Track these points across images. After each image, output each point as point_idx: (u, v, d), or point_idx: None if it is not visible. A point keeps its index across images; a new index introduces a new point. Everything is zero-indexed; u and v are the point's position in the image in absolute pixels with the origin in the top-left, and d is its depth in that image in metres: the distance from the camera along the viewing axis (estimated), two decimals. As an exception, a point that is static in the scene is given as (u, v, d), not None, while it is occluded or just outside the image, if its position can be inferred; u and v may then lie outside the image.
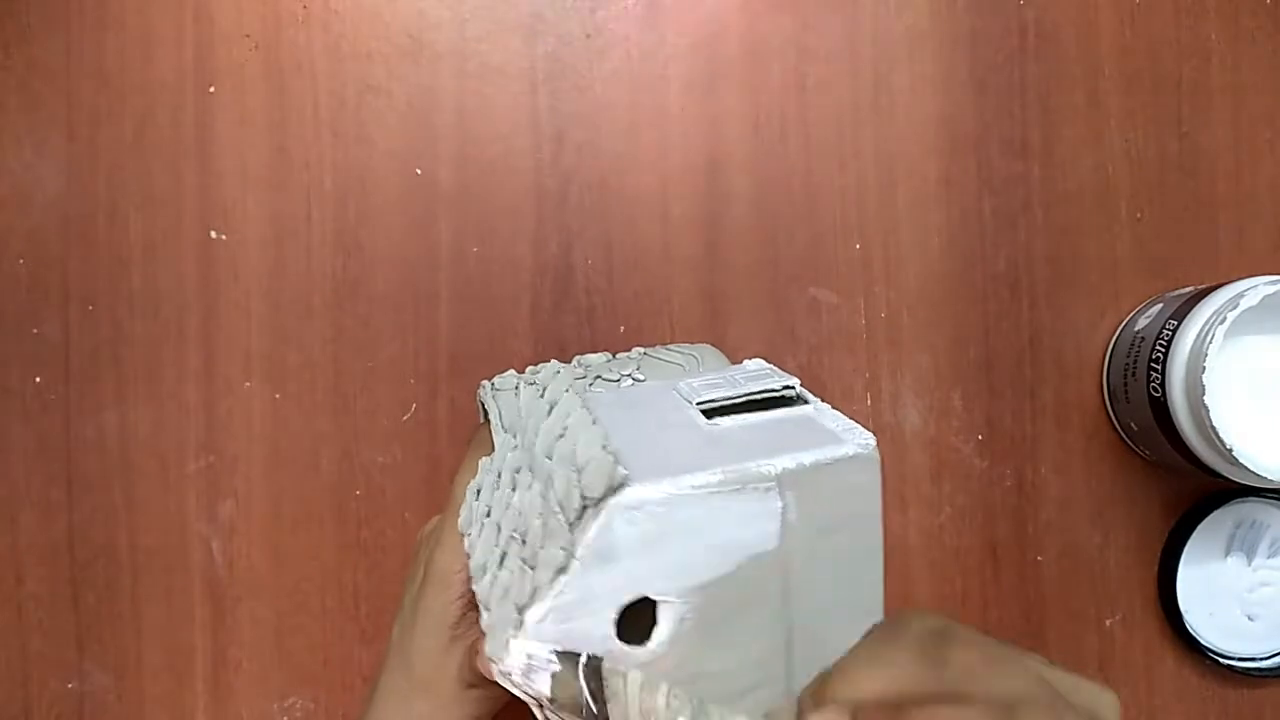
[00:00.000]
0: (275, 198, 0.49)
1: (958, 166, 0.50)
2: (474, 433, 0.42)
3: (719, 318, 0.50)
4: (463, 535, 0.36)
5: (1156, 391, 0.45)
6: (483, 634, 0.31)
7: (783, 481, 0.30)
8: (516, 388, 0.39)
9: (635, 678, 0.28)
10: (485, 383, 0.41)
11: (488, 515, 0.34)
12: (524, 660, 0.29)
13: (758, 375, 0.37)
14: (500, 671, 0.30)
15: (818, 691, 0.26)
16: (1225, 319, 0.42)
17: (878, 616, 0.33)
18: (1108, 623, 0.50)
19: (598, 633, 0.30)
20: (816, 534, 0.31)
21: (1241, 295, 0.42)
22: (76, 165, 0.48)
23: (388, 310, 0.49)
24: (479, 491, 0.36)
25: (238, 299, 0.48)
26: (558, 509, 0.29)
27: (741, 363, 0.40)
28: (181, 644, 0.48)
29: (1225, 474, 0.44)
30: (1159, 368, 0.45)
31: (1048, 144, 0.51)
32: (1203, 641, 0.49)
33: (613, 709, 0.28)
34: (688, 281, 0.50)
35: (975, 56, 0.51)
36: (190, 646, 0.48)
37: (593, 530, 0.29)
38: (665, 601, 0.30)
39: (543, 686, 0.29)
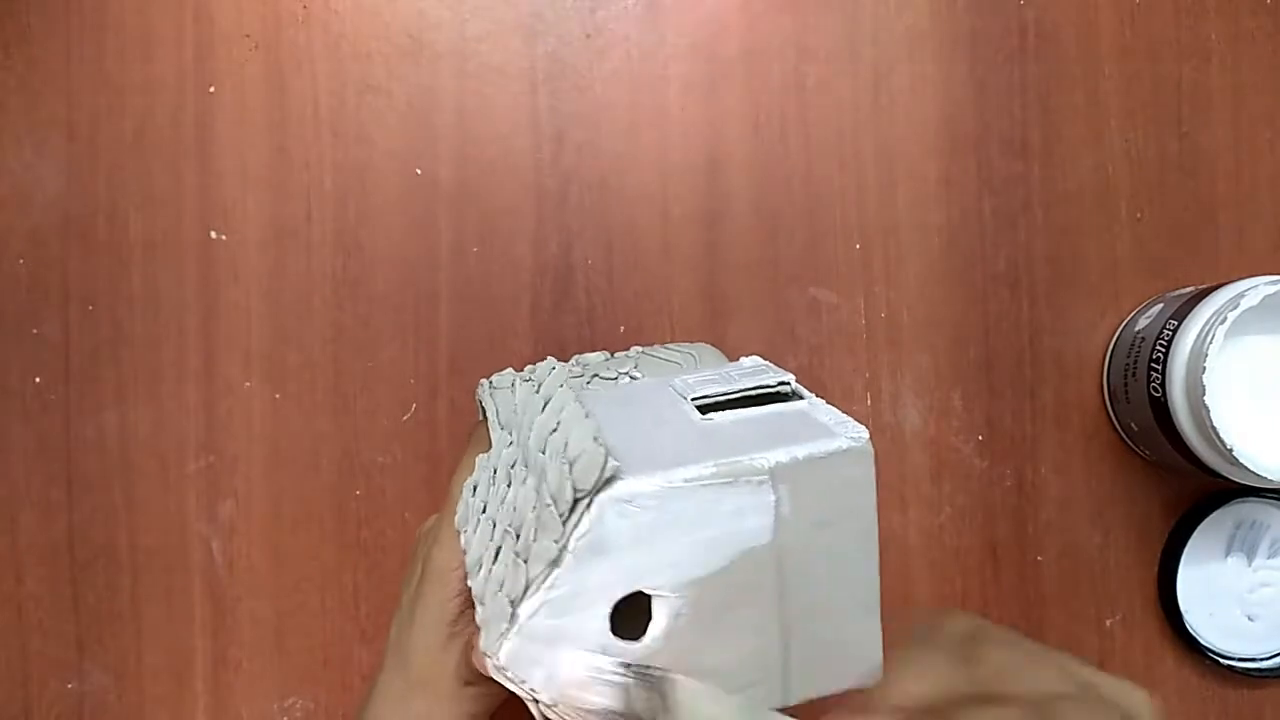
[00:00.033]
0: (275, 198, 0.49)
1: (958, 166, 0.50)
2: (472, 430, 0.42)
3: (719, 318, 0.50)
4: (459, 532, 0.36)
5: (1156, 391, 0.45)
6: (478, 629, 0.31)
7: (776, 475, 0.30)
8: (513, 385, 0.39)
9: (701, 690, 0.28)
10: (484, 381, 0.41)
11: (483, 511, 0.34)
12: (584, 673, 0.29)
13: (753, 372, 0.37)
14: (495, 667, 0.30)
15: (859, 703, 0.26)
16: (1225, 319, 0.42)
17: (874, 611, 0.33)
18: (1108, 623, 0.51)
19: (592, 627, 0.30)
20: (811, 528, 0.31)
21: (1241, 295, 0.42)
22: (76, 165, 0.48)
23: (388, 310, 0.49)
24: (475, 488, 0.36)
25: (238, 299, 0.48)
26: (550, 502, 0.29)
27: (739, 360, 0.40)
28: (181, 644, 0.48)
29: (1225, 474, 0.44)
30: (1159, 368, 0.45)
31: (1048, 144, 0.51)
32: (1203, 641, 0.49)
33: (667, 716, 0.28)
34: (688, 281, 0.50)
35: (975, 56, 0.51)
36: (190, 646, 0.48)
37: (585, 523, 0.29)
38: (659, 596, 0.30)
39: (601, 700, 0.29)
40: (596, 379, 0.40)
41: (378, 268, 0.49)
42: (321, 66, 0.49)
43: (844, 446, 0.31)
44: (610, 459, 0.29)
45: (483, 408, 0.41)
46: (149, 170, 0.48)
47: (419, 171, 0.49)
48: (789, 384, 0.36)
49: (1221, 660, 0.49)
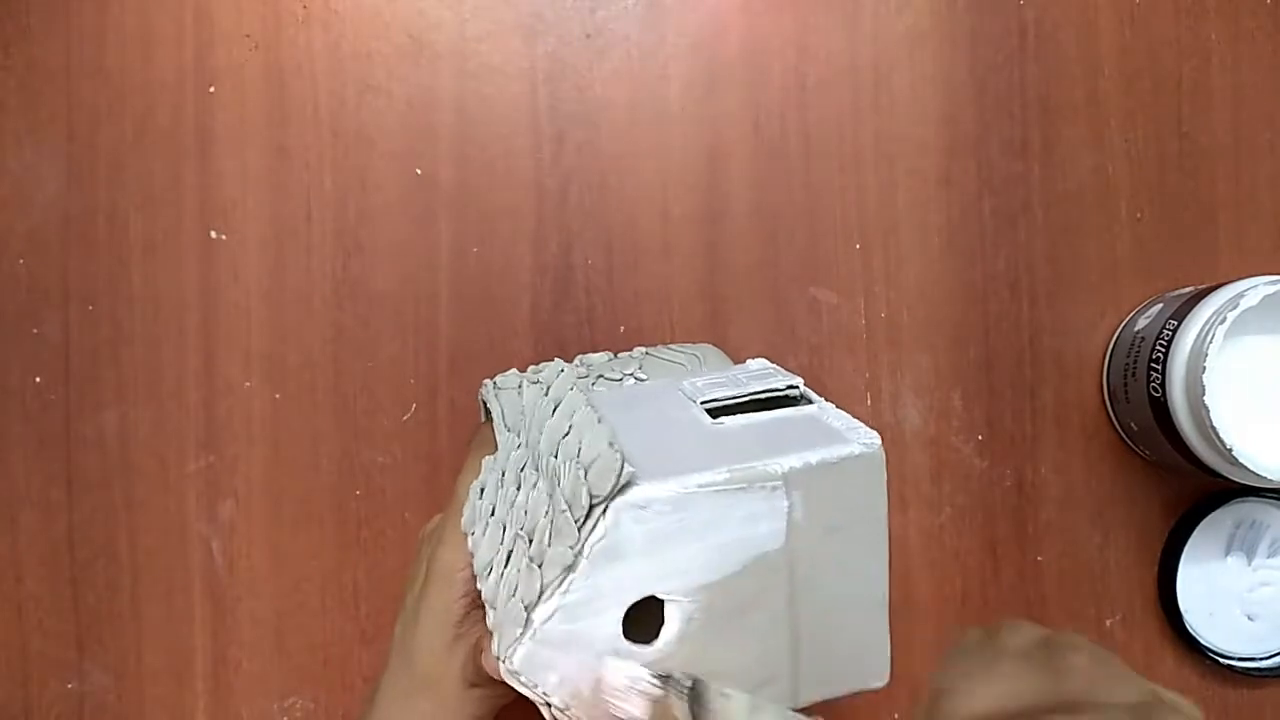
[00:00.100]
0: (275, 198, 0.49)
1: (958, 166, 0.50)
2: (475, 432, 0.42)
3: (719, 318, 0.50)
4: (466, 534, 0.36)
5: (1156, 391, 0.45)
6: (488, 633, 0.31)
7: (789, 480, 0.31)
8: (519, 386, 0.39)
9: (742, 700, 0.28)
10: (487, 381, 0.41)
11: (492, 514, 0.34)
12: (624, 682, 0.29)
13: (761, 375, 0.37)
14: (509, 671, 0.30)
15: (931, 714, 0.25)
16: (1225, 319, 0.42)
17: (883, 614, 0.33)
18: (1108, 623, 0.50)
19: (605, 632, 0.30)
20: (822, 533, 0.31)
21: (1241, 295, 0.42)
22: (76, 165, 0.48)
23: (388, 310, 0.49)
24: (482, 490, 0.36)
25: (238, 299, 0.48)
26: (565, 507, 0.29)
27: (744, 362, 0.40)
28: (181, 644, 0.48)
29: (1225, 474, 0.44)
30: (1159, 368, 0.45)
31: (1048, 144, 0.51)
32: (1203, 641, 0.49)
33: None
34: (688, 281, 0.50)
35: (975, 56, 0.51)
36: (190, 646, 0.48)
37: (600, 528, 0.29)
38: (672, 600, 0.30)
39: (637, 710, 0.29)
40: (601, 379, 0.40)
41: (378, 268, 0.49)
42: (321, 66, 0.49)
43: (856, 452, 0.32)
44: (627, 465, 0.29)
45: (486, 409, 0.41)
46: (149, 170, 0.48)
47: (419, 171, 0.49)
48: (797, 388, 0.36)
49: (1221, 660, 0.49)
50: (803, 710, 0.31)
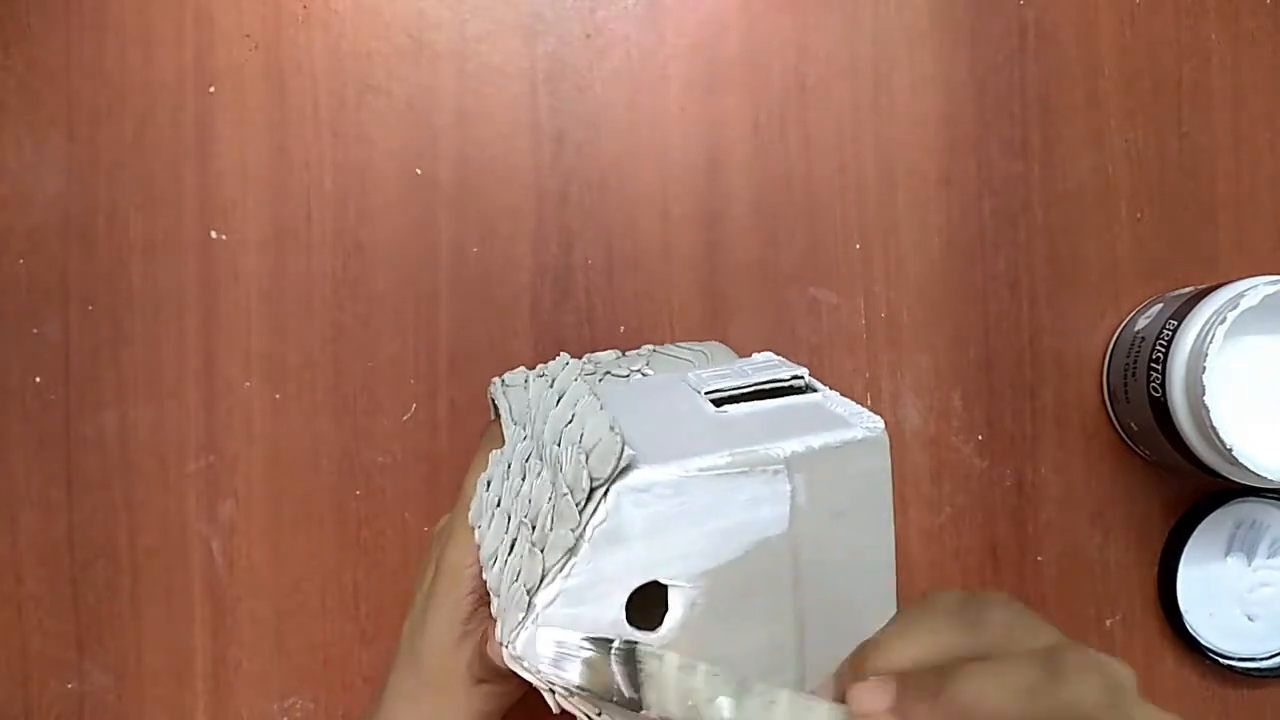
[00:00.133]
0: (275, 198, 0.49)
1: (958, 166, 0.50)
2: (484, 428, 0.42)
3: (719, 318, 0.50)
4: (473, 528, 0.36)
5: (1156, 391, 0.45)
6: (493, 620, 0.31)
7: (791, 464, 0.30)
8: (526, 381, 0.39)
9: (672, 659, 0.28)
10: (495, 379, 0.41)
11: (498, 505, 0.34)
12: (553, 649, 0.29)
13: (766, 366, 0.37)
14: (511, 656, 0.30)
15: (855, 665, 0.26)
16: (1225, 319, 0.42)
17: (890, 601, 0.33)
18: (1108, 623, 0.50)
19: (608, 616, 0.29)
20: (826, 518, 0.31)
21: (1241, 295, 0.42)
22: (76, 165, 0.48)
23: (388, 310, 0.49)
24: (489, 484, 0.36)
25: (238, 299, 0.48)
26: (566, 491, 0.29)
27: (750, 356, 0.40)
28: (181, 644, 0.48)
29: (1225, 474, 0.44)
30: (1159, 368, 0.45)
31: (1048, 144, 0.51)
32: (1203, 641, 0.49)
33: (647, 692, 0.28)
34: (688, 281, 0.50)
35: (975, 56, 0.51)
36: (190, 646, 0.48)
37: (601, 512, 0.29)
38: (675, 586, 0.30)
39: (572, 675, 0.29)
40: (609, 376, 0.40)
41: (378, 268, 0.49)
42: (321, 66, 0.49)
43: (859, 436, 0.32)
44: (627, 448, 0.29)
45: (495, 406, 0.41)
46: (149, 170, 0.48)
47: (419, 171, 0.49)
48: (802, 378, 0.35)
49: (1221, 660, 0.49)
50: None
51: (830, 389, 0.35)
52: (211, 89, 0.49)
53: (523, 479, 0.33)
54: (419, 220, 0.49)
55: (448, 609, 0.37)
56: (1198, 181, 0.51)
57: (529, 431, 0.35)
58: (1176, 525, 0.50)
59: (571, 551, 0.29)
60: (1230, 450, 0.42)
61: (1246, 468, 0.42)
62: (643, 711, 0.28)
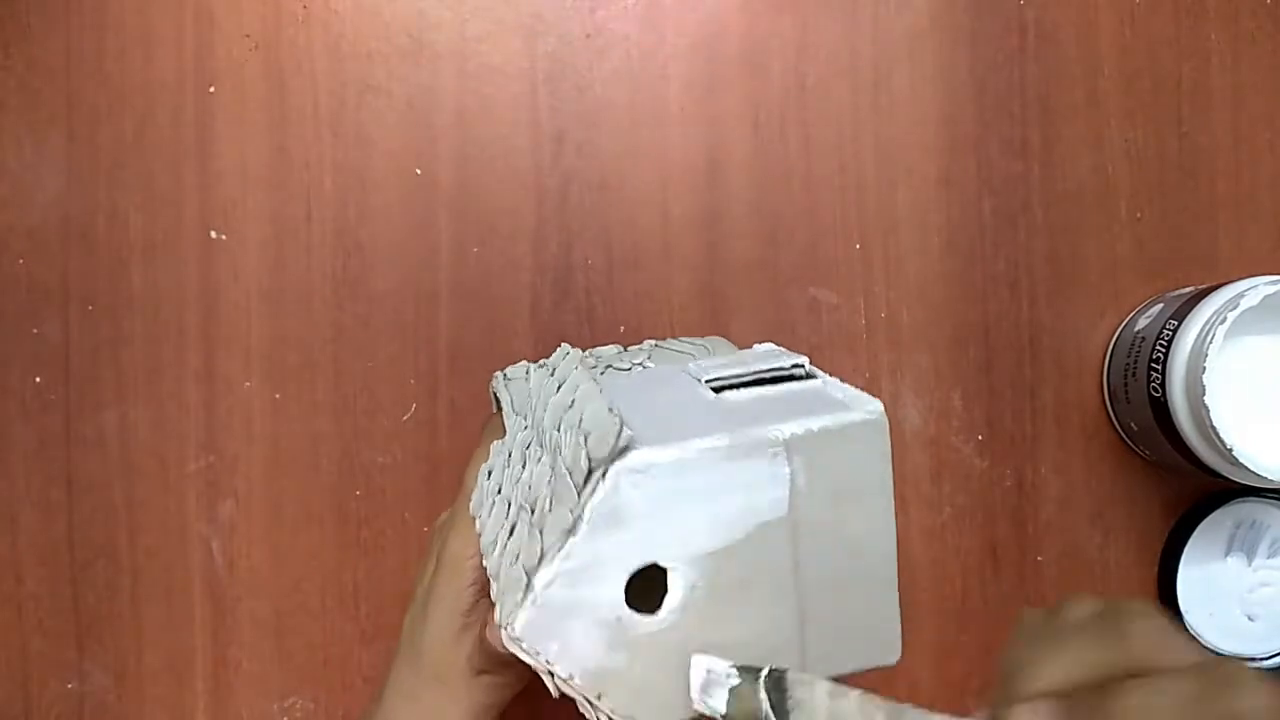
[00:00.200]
0: (275, 198, 0.49)
1: (958, 166, 0.50)
2: (486, 420, 0.42)
3: (719, 317, 0.50)
4: (474, 518, 0.36)
5: (1156, 391, 0.45)
6: (492, 605, 0.31)
7: (791, 446, 0.30)
8: (527, 373, 0.39)
9: (824, 686, 0.28)
10: (497, 373, 0.41)
11: (498, 493, 0.34)
12: (702, 674, 0.29)
13: (767, 355, 0.37)
14: (510, 638, 0.29)
15: (1005, 696, 0.26)
16: (1225, 319, 0.42)
17: (892, 587, 0.33)
18: (1108, 623, 0.50)
19: (608, 598, 0.29)
20: (827, 501, 0.31)
21: (1241, 295, 0.42)
22: (76, 165, 0.48)
23: (388, 310, 0.49)
24: (490, 473, 0.36)
25: (238, 299, 0.48)
26: (565, 472, 0.29)
27: (752, 348, 0.40)
28: (181, 644, 0.48)
29: (1225, 474, 0.44)
30: (1159, 368, 0.45)
31: (1048, 144, 0.51)
32: (1203, 641, 0.49)
33: (789, 715, 0.27)
34: (688, 281, 0.50)
35: (975, 56, 0.51)
36: (190, 646, 0.48)
37: (600, 492, 0.29)
38: (675, 569, 0.30)
39: (718, 703, 0.28)
40: (610, 369, 0.40)
41: (378, 268, 0.49)
42: (321, 66, 0.49)
43: (858, 418, 0.31)
44: (625, 429, 0.29)
45: (497, 399, 0.41)
46: (149, 170, 0.48)
47: (419, 171, 0.49)
48: (803, 366, 0.35)
49: (1221, 660, 0.49)
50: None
51: (831, 375, 0.35)
52: (211, 89, 0.49)
53: (523, 466, 0.33)
54: (419, 220, 0.49)
55: (449, 601, 0.36)
56: (1198, 181, 0.51)
57: (529, 420, 0.35)
58: (1176, 525, 0.50)
59: (570, 532, 0.29)
60: (1230, 450, 0.42)
61: (1246, 468, 0.42)
62: None
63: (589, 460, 0.29)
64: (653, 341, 0.44)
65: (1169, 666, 0.24)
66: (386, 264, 0.49)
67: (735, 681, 0.28)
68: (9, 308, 0.48)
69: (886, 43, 0.50)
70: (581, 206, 0.49)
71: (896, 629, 0.33)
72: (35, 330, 0.48)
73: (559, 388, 0.34)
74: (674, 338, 0.45)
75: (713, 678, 0.29)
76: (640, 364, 0.41)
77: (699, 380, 0.35)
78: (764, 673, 0.28)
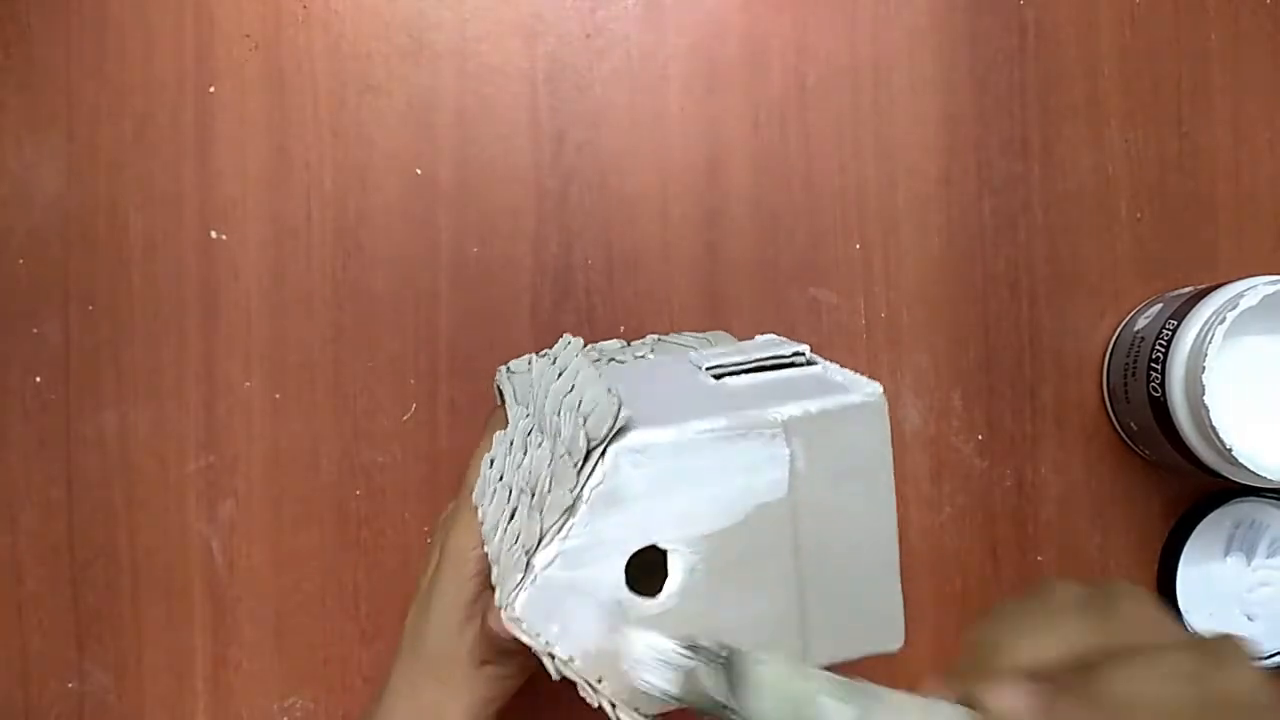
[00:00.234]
0: (275, 198, 0.49)
1: (958, 166, 0.50)
2: (490, 414, 0.42)
3: (719, 317, 0.50)
4: (477, 507, 0.36)
5: (1156, 391, 0.45)
6: (493, 589, 0.31)
7: (789, 428, 0.30)
8: (529, 364, 0.39)
9: (782, 666, 0.26)
10: (501, 368, 0.41)
11: (500, 480, 0.34)
12: (648, 653, 0.27)
13: (768, 344, 0.37)
14: (510, 619, 0.29)
15: (976, 670, 0.25)
16: (1225, 319, 0.42)
17: (894, 571, 0.33)
18: (1108, 623, 0.50)
19: (608, 580, 0.29)
20: (826, 483, 0.31)
21: (1241, 295, 0.42)
22: (76, 165, 0.48)
23: (388, 310, 0.49)
24: (492, 462, 0.36)
25: (238, 299, 0.48)
26: (565, 454, 0.29)
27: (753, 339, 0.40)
28: (181, 644, 0.48)
29: (1225, 474, 0.44)
30: (1159, 368, 0.45)
31: (1048, 144, 0.51)
32: (1202, 641, 0.49)
33: (748, 698, 0.26)
34: (688, 281, 0.50)
35: (975, 56, 0.51)
36: (190, 646, 0.48)
37: (599, 472, 0.29)
38: (675, 550, 0.30)
39: (660, 682, 0.27)
40: (613, 363, 0.40)
41: (378, 268, 0.49)
42: (321, 66, 0.49)
43: (857, 401, 0.31)
44: (623, 409, 0.29)
45: (500, 392, 0.41)
46: (149, 170, 0.48)
47: (419, 171, 0.49)
48: (803, 354, 0.35)
49: (1221, 660, 0.49)
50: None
51: (831, 362, 0.35)
52: (211, 89, 0.49)
53: (524, 453, 0.33)
54: (419, 220, 0.49)
55: (451, 593, 0.36)
56: (1198, 181, 0.51)
57: (531, 409, 0.35)
58: (1176, 525, 0.50)
59: (569, 512, 0.29)
60: (1230, 450, 0.42)
61: (1246, 468, 0.42)
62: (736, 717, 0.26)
63: (588, 440, 0.29)
64: (655, 336, 0.44)
65: (1161, 643, 0.24)
66: (386, 264, 0.49)
67: (683, 661, 0.27)
68: (9, 308, 0.48)
69: (886, 43, 0.50)
70: (581, 206, 0.49)
71: (899, 612, 0.33)
72: (35, 330, 0.48)
73: (560, 374, 0.34)
74: (676, 332, 0.45)
75: (654, 655, 0.27)
76: (643, 357, 0.41)
77: (699, 368, 0.35)
78: (717, 653, 0.27)
